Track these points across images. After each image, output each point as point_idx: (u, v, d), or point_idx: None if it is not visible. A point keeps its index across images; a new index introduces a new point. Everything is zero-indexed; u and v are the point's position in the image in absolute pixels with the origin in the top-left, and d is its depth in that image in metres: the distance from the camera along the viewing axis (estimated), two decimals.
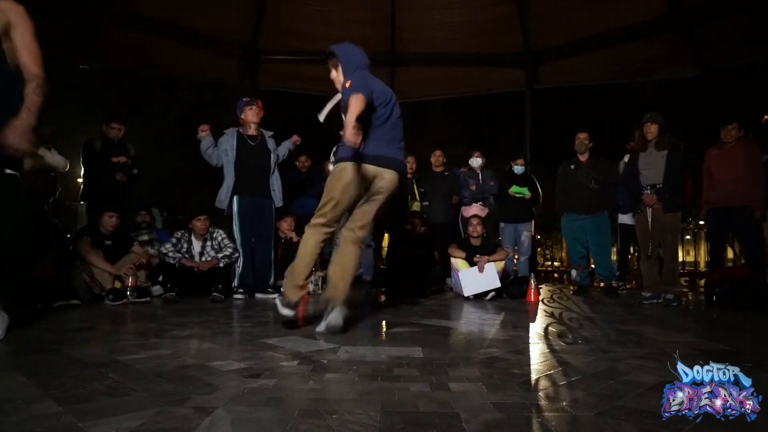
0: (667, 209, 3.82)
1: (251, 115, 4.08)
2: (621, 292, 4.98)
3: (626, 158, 5.04)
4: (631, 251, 6.05)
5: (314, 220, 2.38)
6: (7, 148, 1.85)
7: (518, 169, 5.15)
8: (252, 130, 4.10)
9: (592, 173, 4.61)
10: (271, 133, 4.23)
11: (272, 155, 4.15)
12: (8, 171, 1.96)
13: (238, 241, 4.01)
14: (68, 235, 4.46)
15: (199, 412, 1.12)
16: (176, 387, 1.32)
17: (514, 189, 4.94)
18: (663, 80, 11.18)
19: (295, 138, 4.33)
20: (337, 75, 2.55)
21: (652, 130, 3.87)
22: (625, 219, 5.14)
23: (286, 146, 4.29)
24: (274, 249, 4.22)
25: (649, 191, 3.87)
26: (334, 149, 2.62)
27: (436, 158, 5.41)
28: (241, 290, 3.95)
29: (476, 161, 5.13)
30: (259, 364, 1.60)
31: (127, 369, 1.51)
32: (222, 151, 4.02)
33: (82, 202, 4.76)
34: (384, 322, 2.74)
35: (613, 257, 5.45)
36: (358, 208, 2.44)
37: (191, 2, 6.15)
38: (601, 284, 4.98)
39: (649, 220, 3.90)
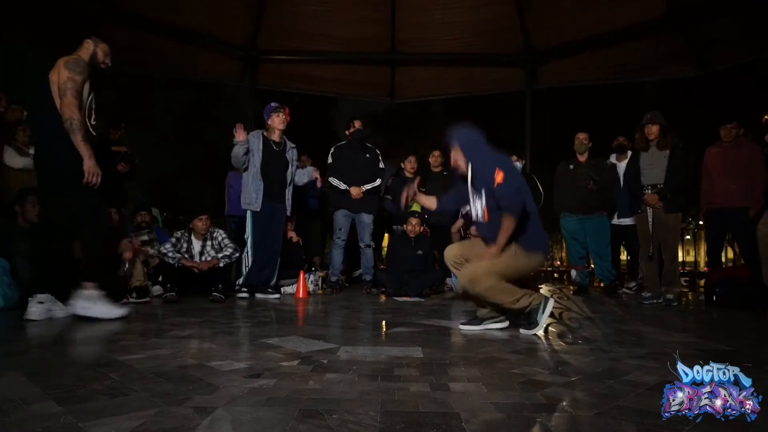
0: (668, 209, 3.82)
1: (278, 121, 4.10)
2: (632, 291, 5.00)
3: (613, 158, 5.05)
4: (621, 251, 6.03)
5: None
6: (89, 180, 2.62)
7: (516, 166, 5.13)
8: (276, 136, 4.13)
9: (590, 173, 4.60)
10: (293, 145, 4.25)
11: (290, 167, 4.18)
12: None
13: (250, 241, 4.02)
14: None
15: (199, 412, 1.12)
16: (176, 387, 1.32)
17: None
18: (663, 80, 11.21)
19: (316, 175, 4.32)
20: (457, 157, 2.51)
21: (653, 130, 3.87)
22: (618, 220, 5.11)
23: (308, 174, 4.30)
24: None
25: (650, 191, 3.87)
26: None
27: (435, 158, 5.41)
28: (245, 289, 3.96)
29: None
30: (259, 364, 1.60)
31: (127, 369, 1.51)
32: (249, 151, 4.02)
33: None
34: (384, 322, 2.74)
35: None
36: None
37: (191, 2, 6.14)
38: (601, 284, 4.97)
39: (650, 220, 3.90)
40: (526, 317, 2.41)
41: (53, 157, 2.62)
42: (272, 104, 4.19)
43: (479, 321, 2.52)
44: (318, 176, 4.36)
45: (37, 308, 2.57)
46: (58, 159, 2.61)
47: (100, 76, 2.86)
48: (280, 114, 4.10)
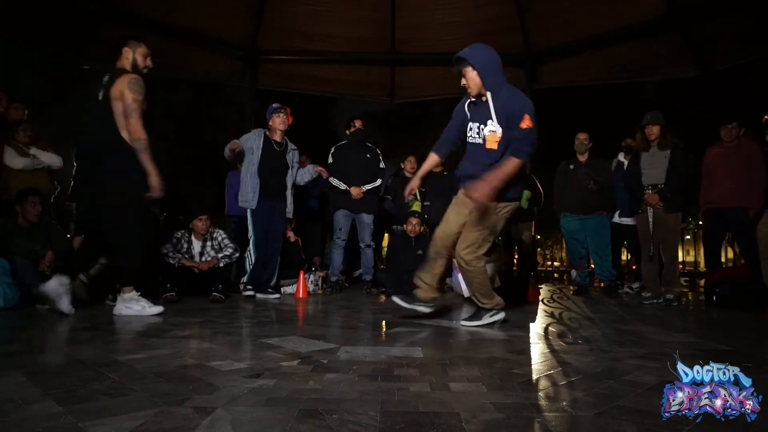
0: (669, 209, 3.82)
1: (278, 122, 4.11)
2: (633, 291, 5.00)
3: (621, 156, 5.05)
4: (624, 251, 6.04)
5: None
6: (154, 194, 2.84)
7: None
8: (277, 137, 4.13)
9: (591, 174, 4.61)
10: (294, 147, 4.25)
11: (291, 168, 4.18)
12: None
13: (252, 240, 4.03)
14: (68, 235, 4.46)
15: (199, 412, 1.12)
16: (176, 387, 1.32)
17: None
18: (663, 80, 11.20)
19: (319, 169, 4.36)
20: (471, 79, 2.47)
21: (653, 131, 3.87)
22: (620, 219, 5.12)
23: (309, 172, 4.32)
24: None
25: (650, 191, 3.87)
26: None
27: None
28: (250, 287, 3.97)
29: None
30: (259, 364, 1.60)
31: (127, 369, 1.51)
32: (247, 149, 4.02)
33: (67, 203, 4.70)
34: (384, 322, 2.74)
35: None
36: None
37: (191, 2, 6.14)
38: (602, 284, 4.98)
39: (650, 220, 3.90)
40: (470, 311, 2.67)
41: (108, 171, 2.73)
42: (274, 105, 4.19)
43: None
44: (321, 170, 4.36)
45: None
46: (112, 173, 2.73)
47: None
48: (281, 114, 4.11)
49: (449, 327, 2.57)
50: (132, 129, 2.71)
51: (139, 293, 2.81)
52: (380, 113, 19.68)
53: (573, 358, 1.80)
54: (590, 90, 11.98)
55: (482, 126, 2.47)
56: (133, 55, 2.86)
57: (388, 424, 1.06)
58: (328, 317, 3.02)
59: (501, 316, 2.61)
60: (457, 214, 2.63)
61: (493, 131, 2.42)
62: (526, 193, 4.91)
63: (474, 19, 6.69)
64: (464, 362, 1.69)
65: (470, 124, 2.54)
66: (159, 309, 2.82)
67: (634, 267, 6.28)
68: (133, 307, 2.75)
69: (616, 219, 4.99)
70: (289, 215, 4.24)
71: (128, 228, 2.76)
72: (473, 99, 2.51)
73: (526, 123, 2.30)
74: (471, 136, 2.55)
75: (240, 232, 4.62)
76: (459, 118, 2.64)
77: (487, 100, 2.43)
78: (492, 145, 2.43)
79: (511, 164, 2.36)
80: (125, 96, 2.70)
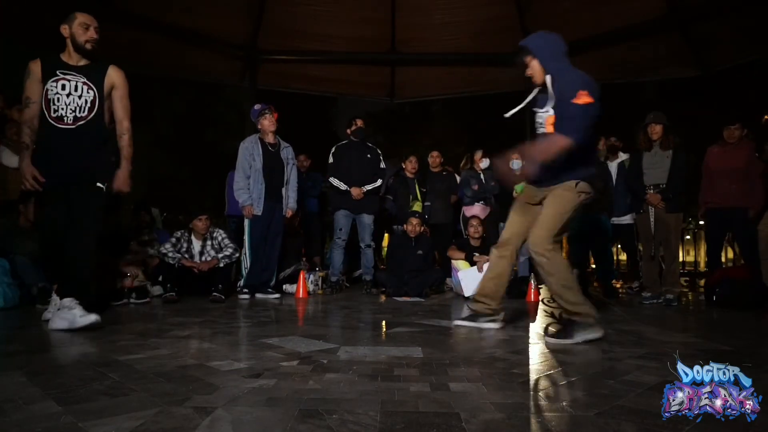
0: (670, 210, 3.82)
1: (267, 124, 4.10)
2: (633, 291, 5.00)
3: (619, 156, 5.05)
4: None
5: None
6: (117, 191, 2.60)
7: (515, 163, 5.13)
8: (270, 138, 4.13)
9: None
10: (287, 144, 4.25)
11: (286, 166, 4.18)
12: (98, 184, 2.53)
13: (248, 242, 4.02)
14: None
15: (199, 412, 1.12)
16: (176, 387, 1.32)
17: (517, 188, 4.94)
18: (663, 80, 11.19)
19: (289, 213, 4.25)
20: (533, 67, 2.37)
21: (656, 130, 3.87)
22: (613, 219, 5.12)
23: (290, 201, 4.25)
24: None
25: (652, 191, 3.87)
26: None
27: (433, 159, 5.43)
28: (246, 290, 3.96)
29: (485, 162, 5.13)
30: (259, 364, 1.60)
31: (127, 369, 1.51)
32: (249, 158, 4.01)
33: None
34: (384, 322, 2.74)
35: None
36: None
37: (191, 2, 6.13)
38: (602, 284, 4.97)
39: (652, 220, 3.90)
40: (559, 325, 2.27)
41: (98, 165, 2.55)
42: (256, 107, 4.16)
43: (475, 318, 2.51)
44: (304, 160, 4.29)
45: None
46: (100, 167, 2.56)
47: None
48: (267, 115, 4.09)
49: (449, 327, 2.57)
50: (125, 118, 2.65)
51: (77, 302, 2.30)
52: (380, 113, 19.68)
53: (573, 358, 1.80)
54: None
55: (543, 112, 2.35)
56: (69, 30, 2.51)
57: (388, 424, 1.06)
58: (328, 317, 3.02)
59: (597, 334, 2.15)
60: (521, 213, 2.51)
61: (549, 114, 2.28)
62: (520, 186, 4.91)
63: (474, 19, 6.69)
64: (464, 362, 1.69)
65: (537, 112, 2.40)
66: (94, 317, 2.25)
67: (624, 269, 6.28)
68: (66, 317, 2.24)
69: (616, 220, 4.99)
70: (293, 208, 4.22)
71: (92, 227, 2.51)
72: (540, 87, 2.40)
73: (581, 99, 2.13)
74: (538, 123, 2.41)
75: (240, 232, 4.62)
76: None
77: (548, 86, 2.30)
78: (549, 128, 2.28)
79: (554, 141, 2.14)
80: (119, 84, 2.65)
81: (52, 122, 2.45)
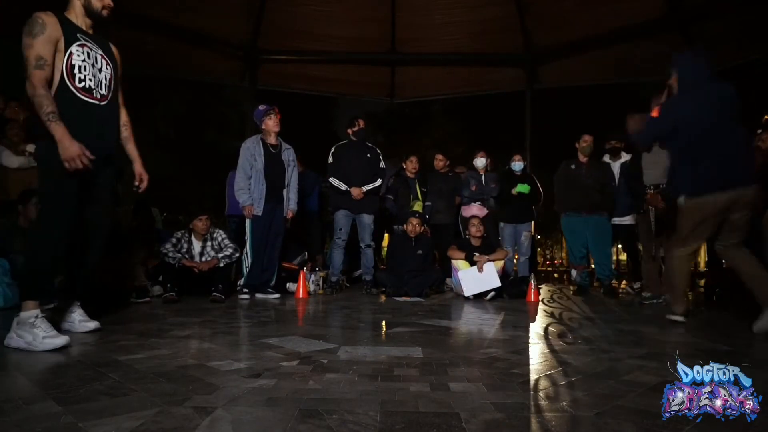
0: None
1: (271, 124, 4.09)
2: (634, 291, 4.99)
3: (606, 158, 5.04)
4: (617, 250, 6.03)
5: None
6: (139, 183, 2.38)
7: (517, 165, 5.15)
8: (272, 139, 4.12)
9: (592, 173, 4.61)
10: (288, 146, 4.24)
11: (287, 168, 4.17)
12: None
13: (249, 243, 4.02)
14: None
15: (199, 412, 1.12)
16: (176, 387, 1.32)
17: (519, 188, 4.94)
18: (663, 80, 11.20)
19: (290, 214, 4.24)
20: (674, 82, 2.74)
21: None
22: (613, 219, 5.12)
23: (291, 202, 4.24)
24: None
25: (652, 191, 3.87)
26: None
27: (437, 162, 5.44)
28: (246, 290, 3.97)
29: (480, 161, 5.13)
30: (259, 364, 1.60)
31: (127, 369, 1.51)
32: (250, 158, 4.02)
33: None
34: (384, 322, 2.74)
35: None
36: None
37: (191, 2, 6.14)
38: (602, 284, 4.97)
39: (652, 220, 3.90)
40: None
41: (117, 154, 2.32)
42: (261, 108, 4.15)
43: None
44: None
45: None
46: (118, 157, 2.32)
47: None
48: (272, 116, 4.09)
49: (449, 327, 2.57)
50: (121, 94, 2.33)
51: (43, 315, 1.93)
52: (380, 113, 19.70)
53: (573, 358, 1.80)
54: (590, 90, 12.00)
55: None
56: None
57: (388, 424, 1.06)
58: (328, 317, 3.02)
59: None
60: None
61: None
62: (526, 186, 4.92)
63: (474, 19, 6.70)
64: (464, 362, 1.69)
65: None
66: (61, 341, 1.84)
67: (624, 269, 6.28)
68: (25, 336, 1.85)
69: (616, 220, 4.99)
70: (294, 209, 4.22)
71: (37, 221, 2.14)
72: None
73: (652, 113, 2.54)
74: None
75: (240, 232, 4.62)
76: None
77: None
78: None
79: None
80: (118, 58, 2.30)
81: (80, 94, 2.05)
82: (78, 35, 2.08)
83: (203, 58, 6.85)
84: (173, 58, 6.67)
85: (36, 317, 1.90)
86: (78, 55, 2.05)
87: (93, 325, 2.21)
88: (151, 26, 6.07)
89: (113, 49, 2.30)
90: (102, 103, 2.15)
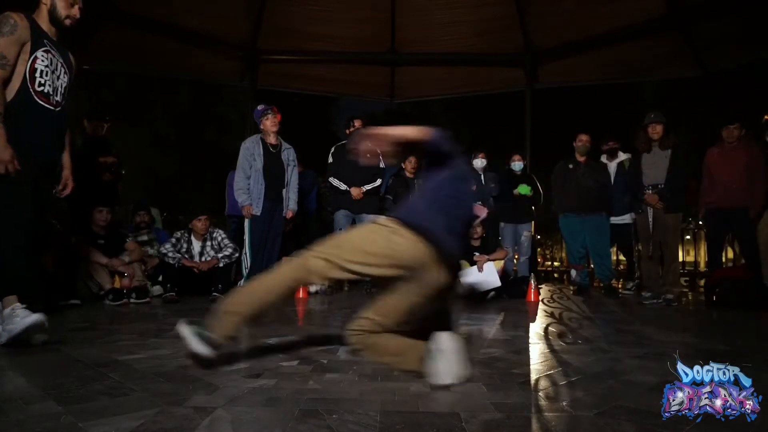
0: (669, 210, 3.82)
1: (270, 124, 4.09)
2: (631, 291, 4.99)
3: (603, 158, 5.04)
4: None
5: None
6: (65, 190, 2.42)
7: (517, 165, 5.15)
8: (272, 139, 4.12)
9: (591, 173, 4.61)
10: (289, 146, 4.24)
11: (287, 167, 4.17)
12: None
13: (248, 243, 4.01)
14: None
15: (199, 412, 1.12)
16: (176, 387, 1.32)
17: (520, 189, 4.94)
18: (663, 80, 11.20)
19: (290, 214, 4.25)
20: None
21: (658, 129, 3.87)
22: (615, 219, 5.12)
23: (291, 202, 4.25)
24: None
25: (650, 191, 3.87)
26: None
27: None
28: None
29: (480, 162, 5.13)
30: (259, 364, 1.60)
31: (127, 369, 1.51)
32: (250, 158, 4.02)
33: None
34: None
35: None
36: None
37: (191, 2, 6.14)
38: (601, 284, 4.98)
39: (650, 220, 3.90)
40: None
41: (58, 161, 2.37)
42: (260, 108, 4.15)
43: None
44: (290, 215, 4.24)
45: None
46: (58, 165, 2.38)
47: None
48: (270, 116, 4.09)
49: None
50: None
51: (22, 306, 1.94)
52: (380, 113, 19.68)
53: (573, 358, 1.80)
54: (590, 90, 11.99)
55: None
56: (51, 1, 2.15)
57: (388, 424, 1.06)
58: (328, 317, 3.02)
59: None
60: None
61: None
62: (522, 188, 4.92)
63: (474, 19, 6.69)
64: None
65: None
66: (38, 316, 1.89)
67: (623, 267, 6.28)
68: (8, 327, 1.89)
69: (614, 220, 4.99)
70: (294, 209, 4.21)
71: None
72: None
73: None
74: None
75: (240, 232, 4.61)
76: None
77: None
78: None
79: None
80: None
81: (37, 98, 2.09)
82: (45, 41, 2.14)
83: (203, 58, 6.84)
84: (173, 58, 6.66)
85: (14, 309, 1.93)
86: (42, 60, 2.11)
87: (35, 318, 1.95)
88: (152, 26, 6.06)
89: (71, 57, 2.35)
90: (56, 109, 2.21)
